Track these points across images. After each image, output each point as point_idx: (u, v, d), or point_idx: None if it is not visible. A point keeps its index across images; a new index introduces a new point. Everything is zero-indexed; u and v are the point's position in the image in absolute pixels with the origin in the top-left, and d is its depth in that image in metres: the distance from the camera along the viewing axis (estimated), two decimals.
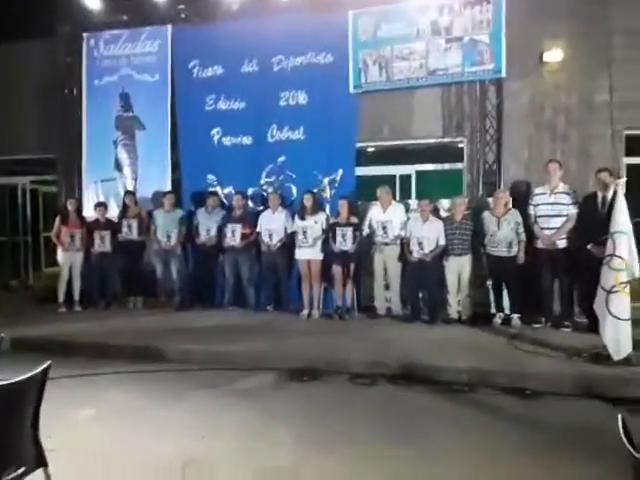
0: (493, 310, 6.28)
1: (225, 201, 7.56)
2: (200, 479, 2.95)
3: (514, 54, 6.46)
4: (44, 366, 2.22)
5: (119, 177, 8.10)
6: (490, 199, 6.49)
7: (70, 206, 7.41)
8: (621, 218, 4.50)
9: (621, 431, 1.64)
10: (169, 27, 7.84)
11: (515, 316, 6.04)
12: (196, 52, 7.71)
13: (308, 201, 6.68)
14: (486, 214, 6.18)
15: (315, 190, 7.00)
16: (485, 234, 6.11)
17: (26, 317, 6.75)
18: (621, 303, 4.43)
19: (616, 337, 4.43)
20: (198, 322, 6.47)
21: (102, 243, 7.31)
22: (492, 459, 3.14)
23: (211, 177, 7.64)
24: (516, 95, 6.76)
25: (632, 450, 1.55)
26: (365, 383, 4.51)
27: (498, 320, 6.11)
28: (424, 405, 4.05)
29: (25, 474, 2.18)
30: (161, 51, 7.90)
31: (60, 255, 7.34)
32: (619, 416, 1.69)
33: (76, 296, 7.33)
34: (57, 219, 7.43)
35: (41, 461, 2.30)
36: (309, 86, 7.25)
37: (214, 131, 7.64)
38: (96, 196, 8.08)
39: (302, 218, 6.71)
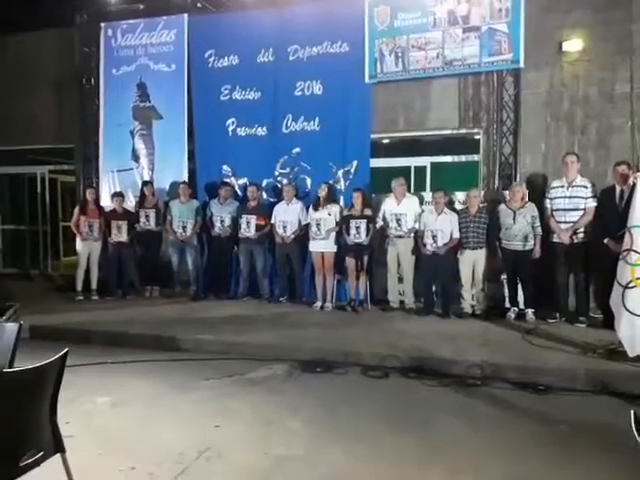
0: (507, 304, 6.24)
1: (239, 192, 7.59)
2: (215, 467, 2.99)
3: (533, 44, 6.37)
4: (62, 353, 2.26)
5: (136, 167, 8.17)
6: (506, 192, 6.43)
7: (89, 196, 7.52)
8: (639, 212, 4.43)
9: (633, 426, 1.63)
10: (185, 17, 7.86)
11: (529, 311, 6.00)
12: (212, 42, 7.72)
13: (323, 191, 6.68)
14: (502, 207, 6.12)
15: (330, 181, 6.99)
16: (500, 227, 6.06)
17: (45, 306, 6.88)
18: (637, 298, 4.36)
19: (632, 333, 4.37)
20: (213, 312, 6.54)
21: (119, 233, 7.41)
22: (503, 453, 3.14)
23: (226, 168, 7.67)
24: (534, 86, 6.67)
25: None
26: (377, 375, 4.54)
27: (512, 315, 6.07)
28: (436, 398, 4.06)
29: (43, 458, 2.23)
30: (177, 41, 7.93)
31: (79, 244, 7.45)
32: (631, 412, 1.68)
33: (93, 285, 7.45)
34: (76, 208, 7.55)
35: (59, 446, 2.35)
36: (324, 76, 7.22)
37: (229, 121, 7.65)
38: (113, 186, 8.17)
39: (316, 209, 6.71)
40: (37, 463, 2.21)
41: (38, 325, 5.64)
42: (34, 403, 2.24)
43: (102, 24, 8.25)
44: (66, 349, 2.30)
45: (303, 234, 6.87)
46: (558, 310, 5.93)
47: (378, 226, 6.62)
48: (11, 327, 2.81)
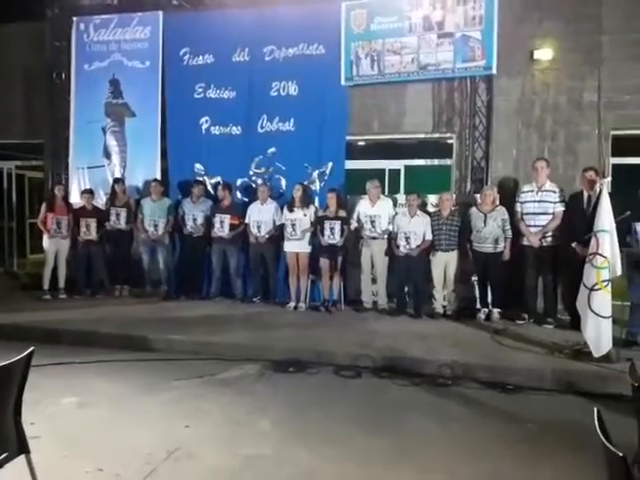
0: (478, 305, 6.34)
1: (212, 191, 7.52)
2: (184, 467, 2.96)
3: (505, 51, 6.51)
4: (27, 352, 2.21)
5: (107, 164, 8.02)
6: (478, 195, 6.54)
7: (58, 192, 7.34)
8: (605, 217, 4.56)
9: (596, 424, 1.68)
10: (160, 14, 7.75)
11: (495, 311, 6.12)
12: (187, 40, 7.64)
13: (298, 192, 6.68)
14: (473, 210, 6.23)
15: (305, 182, 7.00)
16: (472, 230, 6.16)
17: (10, 304, 6.69)
18: (602, 301, 4.50)
19: (597, 334, 4.50)
20: (184, 312, 6.46)
21: (88, 231, 7.26)
22: (472, 451, 3.19)
23: (198, 166, 7.59)
24: (506, 92, 6.81)
25: (605, 442, 1.59)
26: (350, 375, 4.55)
27: (482, 315, 6.17)
28: (407, 398, 4.10)
29: (7, 459, 2.17)
30: (152, 38, 7.81)
31: (46, 242, 7.26)
32: (595, 409, 1.73)
33: (61, 284, 7.28)
34: (43, 205, 7.36)
35: (23, 447, 2.30)
36: (300, 77, 7.22)
37: (203, 120, 7.58)
38: (83, 183, 7.99)
39: (291, 210, 6.71)
40: (0, 464, 2.15)
41: (2, 324, 5.48)
42: None
43: (74, 18, 8.06)
44: (31, 348, 2.25)
45: (277, 234, 6.85)
46: (527, 311, 6.06)
47: (352, 227, 6.65)
48: None
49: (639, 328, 5.02)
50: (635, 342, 4.94)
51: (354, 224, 6.65)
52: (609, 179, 5.43)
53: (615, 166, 6.59)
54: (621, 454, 1.50)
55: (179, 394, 4.06)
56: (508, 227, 6.03)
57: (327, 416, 3.70)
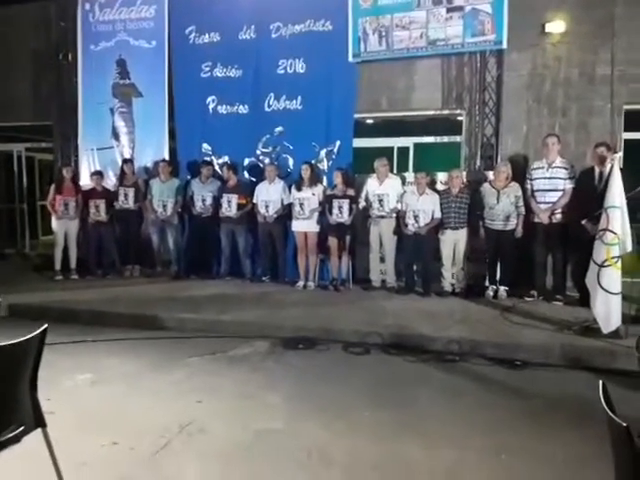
0: (487, 283, 6.33)
1: (219, 171, 7.52)
2: (196, 441, 3.03)
3: (516, 25, 6.37)
4: (41, 328, 2.25)
5: (116, 145, 8.04)
6: (488, 172, 6.49)
7: (66, 174, 7.37)
8: (615, 193, 4.51)
9: (601, 395, 1.69)
10: None
11: (502, 288, 6.12)
12: (193, 18, 7.57)
13: (306, 172, 6.65)
14: (486, 186, 6.16)
15: (313, 161, 6.97)
16: (484, 207, 6.11)
17: (23, 285, 6.79)
18: (612, 277, 4.47)
19: (606, 311, 4.50)
20: (194, 291, 6.52)
21: (97, 212, 7.31)
22: (480, 426, 3.23)
23: (206, 146, 7.58)
24: (516, 67, 6.69)
25: (609, 412, 1.60)
26: (358, 352, 4.60)
27: (491, 293, 6.17)
28: (415, 373, 4.14)
29: (24, 433, 2.23)
30: (158, 17, 7.75)
31: (54, 223, 7.33)
32: (600, 382, 1.74)
33: (72, 264, 7.36)
34: (52, 187, 7.41)
35: (40, 421, 2.35)
36: (307, 54, 7.14)
37: (209, 99, 7.54)
38: (93, 164, 8.03)
39: (299, 189, 6.70)
40: (18, 438, 2.21)
41: (17, 303, 5.58)
42: (14, 379, 2.23)
43: None
44: (45, 325, 2.29)
45: (286, 213, 6.86)
46: (536, 288, 6.05)
47: (361, 206, 6.64)
48: None
49: None
50: None
51: (362, 203, 6.64)
52: (620, 154, 5.34)
53: (627, 141, 6.49)
54: (625, 424, 1.51)
55: (191, 371, 4.13)
56: (521, 204, 5.97)
57: (337, 391, 3.75)
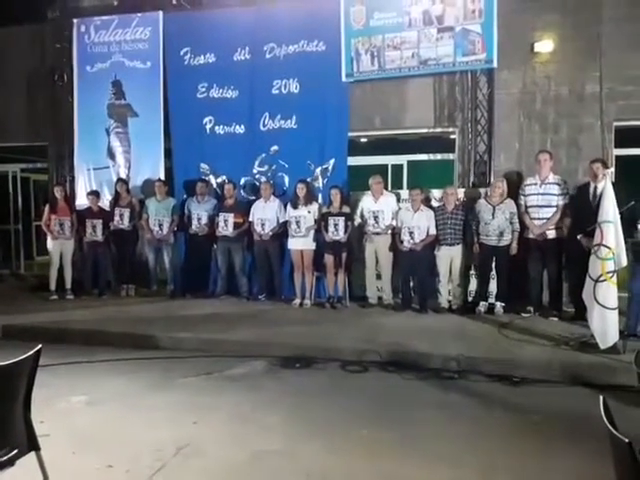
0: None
1: (218, 190, 7.55)
2: (193, 463, 2.98)
3: (506, 44, 6.50)
4: (35, 349, 2.23)
5: (112, 165, 8.06)
6: (481, 189, 6.53)
7: (58, 193, 7.37)
8: (609, 208, 4.55)
9: (602, 411, 1.68)
10: (160, 14, 7.78)
11: (498, 304, 6.13)
12: (187, 39, 7.66)
13: (302, 191, 6.68)
14: (482, 202, 6.19)
15: (308, 179, 7.01)
16: (479, 222, 6.14)
17: (18, 305, 6.75)
18: (608, 292, 4.49)
19: (603, 325, 4.50)
20: (190, 311, 6.49)
21: (94, 232, 7.30)
22: (478, 443, 3.20)
23: (203, 166, 7.62)
24: (507, 85, 6.80)
25: (611, 428, 1.59)
26: (356, 370, 4.57)
27: (482, 309, 6.18)
28: (413, 392, 4.11)
29: (18, 456, 2.20)
30: (153, 38, 7.84)
31: (50, 243, 7.31)
32: (600, 397, 1.73)
33: (68, 284, 7.33)
34: (46, 207, 7.41)
35: (33, 444, 2.32)
36: (301, 75, 7.23)
37: (206, 119, 7.60)
38: (89, 184, 8.05)
39: (295, 207, 6.72)
40: (11, 461, 2.18)
41: (11, 324, 5.54)
42: (7, 400, 2.20)
43: (75, 20, 8.10)
44: (39, 345, 2.27)
45: (282, 231, 6.86)
46: (532, 304, 6.05)
47: (356, 223, 6.66)
48: None
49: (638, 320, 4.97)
50: (635, 334, 4.90)
51: (357, 220, 6.66)
52: (612, 170, 5.40)
53: (618, 157, 6.57)
54: (627, 440, 1.50)
55: (187, 391, 4.09)
56: (516, 220, 6.00)
57: (335, 410, 3.72)
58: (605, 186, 4.67)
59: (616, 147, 6.56)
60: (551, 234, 5.87)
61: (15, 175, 9.56)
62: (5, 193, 9.55)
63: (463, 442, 3.22)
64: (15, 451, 2.18)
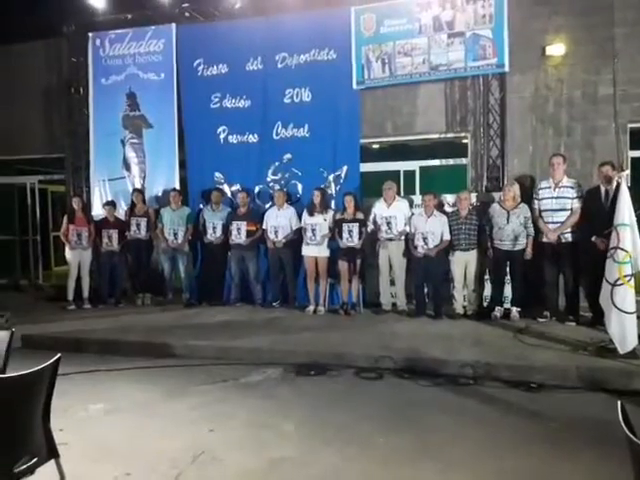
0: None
1: (232, 199, 7.62)
2: (209, 471, 3.00)
3: (517, 48, 6.49)
4: (55, 358, 2.27)
5: (127, 176, 8.19)
6: (495, 193, 6.50)
7: (75, 204, 7.50)
8: (625, 210, 4.50)
9: (620, 417, 1.66)
10: (173, 26, 7.91)
11: (514, 309, 6.07)
12: (200, 51, 7.77)
13: (317, 198, 6.71)
14: (496, 207, 6.15)
15: (321, 187, 7.04)
16: (493, 227, 6.10)
17: (36, 315, 6.85)
18: (626, 296, 4.43)
19: (621, 330, 4.44)
20: (206, 319, 6.54)
21: (110, 242, 7.40)
22: (495, 450, 3.17)
23: (218, 175, 7.70)
24: (519, 89, 6.77)
25: (629, 434, 1.58)
26: (371, 377, 4.56)
27: (497, 314, 6.13)
28: (429, 398, 4.08)
29: (37, 464, 2.23)
30: (166, 50, 7.97)
31: (68, 253, 7.43)
32: (618, 402, 1.71)
33: (85, 294, 7.43)
34: (65, 218, 7.53)
35: (53, 453, 2.35)
36: (313, 83, 7.30)
37: (220, 129, 7.69)
38: (105, 195, 8.18)
39: (311, 215, 6.74)
40: (31, 469, 2.21)
41: (30, 334, 5.61)
42: (27, 409, 2.24)
43: (90, 34, 8.28)
44: (58, 355, 2.31)
45: (295, 239, 6.89)
46: (548, 309, 5.99)
47: (369, 229, 6.66)
48: (3, 335, 2.81)
49: None
50: None
51: (370, 226, 6.67)
52: (628, 172, 5.34)
53: (634, 159, 6.50)
54: None
55: (203, 399, 4.11)
56: (530, 225, 5.95)
57: (350, 417, 3.71)
58: (621, 188, 4.62)
59: (631, 149, 6.50)
60: (566, 238, 5.82)
61: (33, 187, 9.73)
62: (23, 204, 9.73)
63: (480, 448, 3.19)
64: (35, 459, 2.22)
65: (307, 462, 3.06)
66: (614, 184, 5.21)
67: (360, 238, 6.48)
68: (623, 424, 1.64)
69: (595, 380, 4.23)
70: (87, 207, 7.91)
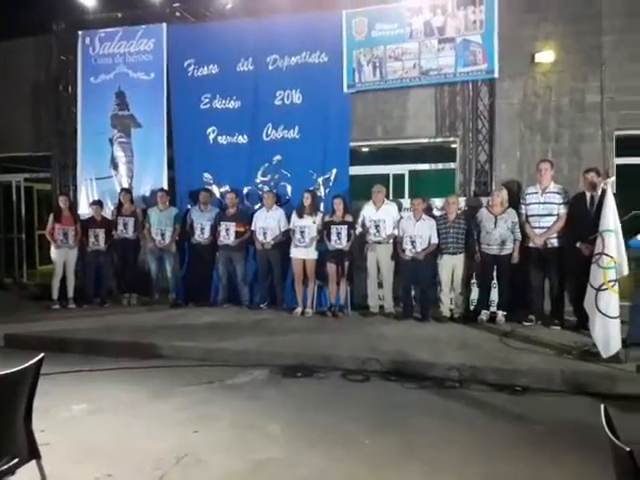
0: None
1: (221, 200, 7.59)
2: (193, 472, 2.97)
3: (506, 55, 6.55)
4: (37, 358, 2.24)
5: (115, 175, 8.12)
6: (482, 198, 6.55)
7: (62, 203, 7.41)
8: (610, 217, 4.55)
9: (603, 420, 1.68)
10: (164, 26, 7.87)
11: (500, 313, 6.12)
12: (191, 51, 7.74)
13: (307, 200, 6.71)
14: (483, 211, 6.20)
15: (310, 189, 7.03)
16: (480, 231, 6.14)
17: (20, 314, 6.76)
18: (610, 301, 4.47)
19: (605, 334, 4.48)
20: (192, 319, 6.49)
21: (97, 241, 7.33)
22: (480, 453, 3.18)
23: (207, 176, 7.67)
24: (508, 95, 6.84)
25: (612, 437, 1.59)
26: (357, 379, 4.56)
27: (484, 317, 6.18)
28: (415, 401, 4.09)
29: (18, 465, 2.20)
30: (156, 50, 7.93)
31: (53, 252, 7.34)
32: (602, 406, 1.73)
33: (70, 293, 7.35)
34: (51, 216, 7.44)
35: (34, 453, 2.32)
36: (304, 85, 7.30)
37: (209, 130, 7.66)
38: (91, 194, 8.10)
39: (300, 217, 6.74)
40: (12, 470, 2.18)
41: (14, 333, 5.55)
42: (9, 409, 2.21)
43: (80, 32, 8.20)
44: (41, 354, 2.28)
45: (284, 240, 6.88)
46: (533, 313, 6.04)
47: (358, 232, 6.68)
48: None
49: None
50: (637, 343, 4.86)
51: (359, 229, 6.68)
52: (613, 179, 5.41)
53: (619, 166, 6.58)
54: (628, 448, 1.50)
55: (188, 400, 4.08)
56: (517, 230, 6.01)
57: (336, 419, 3.70)
58: (606, 195, 4.68)
59: (617, 156, 6.59)
60: (552, 243, 5.87)
61: (19, 185, 9.62)
62: (9, 202, 9.62)
63: (465, 451, 3.21)
64: (16, 460, 2.18)
65: (293, 463, 3.05)
66: (599, 191, 5.29)
67: (348, 241, 6.48)
68: (606, 427, 1.66)
69: (579, 384, 4.28)
70: (74, 206, 7.82)
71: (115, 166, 8.12)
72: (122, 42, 8.11)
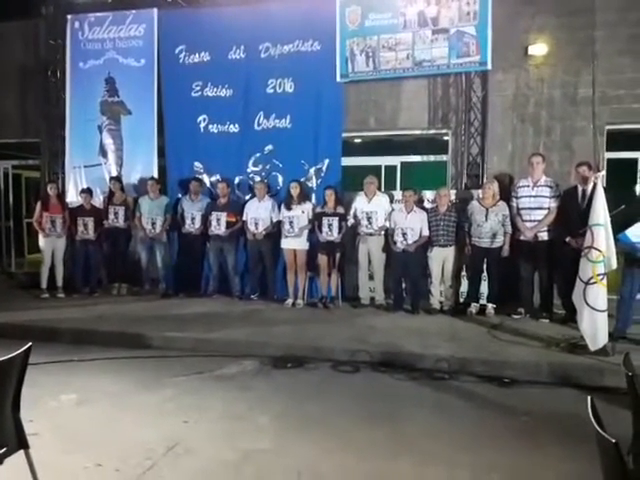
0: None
1: (212, 189, 7.53)
2: (183, 462, 2.97)
3: (500, 47, 6.53)
4: (25, 347, 2.22)
5: (104, 163, 8.01)
6: (474, 191, 6.56)
7: (50, 191, 7.32)
8: (600, 211, 4.58)
9: (590, 411, 1.70)
10: (155, 11, 7.74)
11: (490, 305, 6.16)
12: (182, 38, 7.63)
13: (295, 190, 6.68)
14: (475, 204, 6.21)
15: (302, 179, 7.01)
16: (471, 224, 6.16)
17: (8, 303, 6.69)
18: (598, 294, 4.52)
19: (593, 327, 4.53)
20: (182, 310, 6.47)
21: (86, 230, 7.26)
22: (469, 443, 3.22)
23: (197, 164, 7.60)
24: (501, 88, 6.83)
25: (598, 428, 1.61)
26: (347, 370, 4.58)
27: (473, 310, 6.21)
28: (404, 391, 4.12)
29: (6, 454, 2.19)
30: (147, 35, 7.80)
31: (41, 241, 7.26)
32: (588, 398, 1.75)
33: (59, 282, 7.27)
34: (38, 204, 7.35)
35: (22, 443, 2.31)
36: (296, 74, 7.23)
37: (200, 118, 7.58)
38: (80, 182, 7.99)
39: (288, 208, 6.71)
40: (0, 459, 2.16)
41: (1, 322, 5.49)
42: None
43: (69, 16, 8.04)
44: (29, 344, 2.26)
45: (275, 231, 6.86)
46: (523, 306, 6.09)
47: (349, 224, 6.67)
48: None
49: (627, 322, 5.01)
50: (624, 336, 4.93)
51: (351, 220, 6.67)
52: (604, 173, 5.44)
53: (610, 160, 6.62)
54: (613, 440, 1.52)
55: (178, 390, 4.08)
56: (508, 222, 6.03)
57: (326, 410, 3.72)
58: (596, 189, 4.70)
59: (608, 150, 6.62)
60: (543, 236, 5.90)
61: (7, 172, 9.48)
62: None
63: (454, 441, 3.24)
64: (4, 449, 2.18)
65: (282, 454, 3.07)
66: (590, 184, 5.31)
67: (340, 232, 6.48)
68: (593, 419, 1.68)
69: (566, 376, 4.33)
70: (62, 194, 7.73)
71: (104, 154, 8.02)
72: (112, 27, 7.97)
